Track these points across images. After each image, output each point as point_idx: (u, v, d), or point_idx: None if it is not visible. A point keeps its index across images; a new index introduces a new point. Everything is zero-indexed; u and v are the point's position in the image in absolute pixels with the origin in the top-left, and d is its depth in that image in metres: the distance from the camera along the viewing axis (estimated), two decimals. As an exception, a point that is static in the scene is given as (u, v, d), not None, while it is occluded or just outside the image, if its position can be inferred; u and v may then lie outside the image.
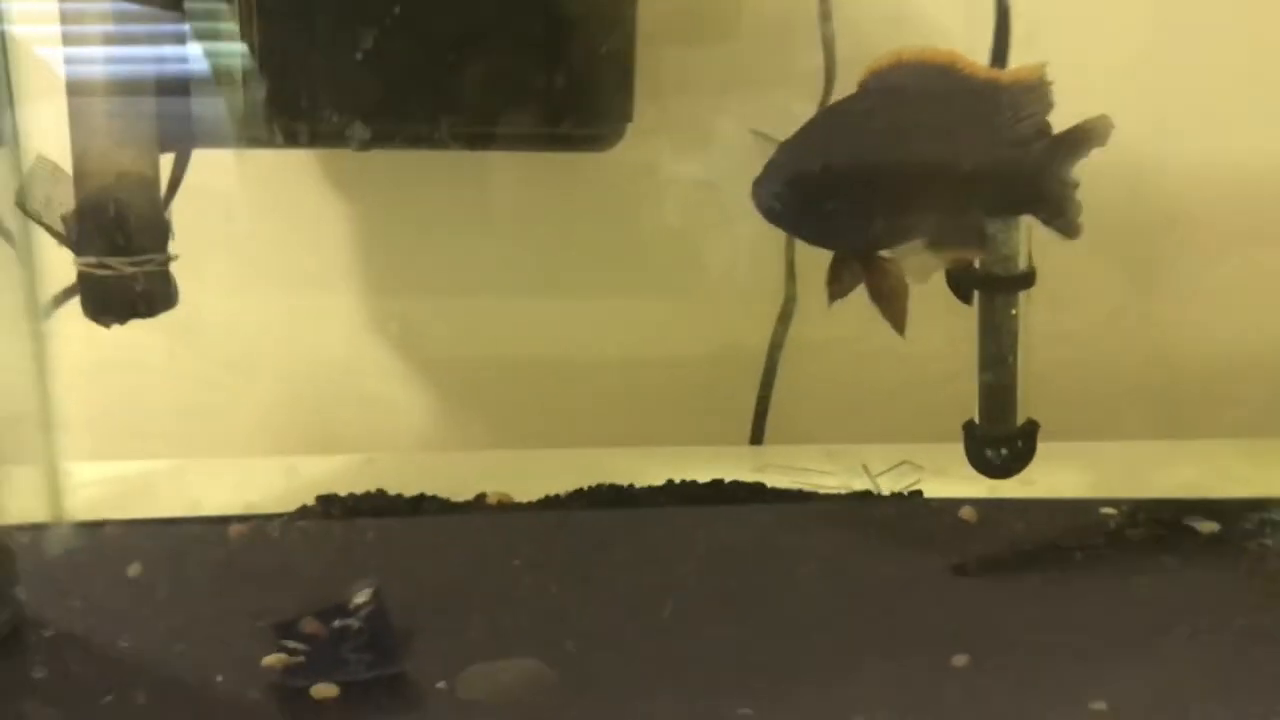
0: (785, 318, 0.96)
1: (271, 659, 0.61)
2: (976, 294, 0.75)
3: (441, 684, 0.60)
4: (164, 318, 0.69)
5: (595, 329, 0.94)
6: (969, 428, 0.78)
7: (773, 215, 0.64)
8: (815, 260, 0.66)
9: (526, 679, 0.61)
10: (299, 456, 0.86)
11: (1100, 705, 0.58)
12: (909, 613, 0.68)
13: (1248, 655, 0.63)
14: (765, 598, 0.69)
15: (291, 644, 0.62)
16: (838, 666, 0.62)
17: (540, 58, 0.74)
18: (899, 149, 0.65)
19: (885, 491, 0.84)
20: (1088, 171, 0.65)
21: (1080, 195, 0.66)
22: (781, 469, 0.86)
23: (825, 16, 0.84)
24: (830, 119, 0.67)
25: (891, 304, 0.65)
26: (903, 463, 0.88)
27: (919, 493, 0.83)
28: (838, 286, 0.65)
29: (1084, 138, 0.65)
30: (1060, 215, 0.66)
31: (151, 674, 0.61)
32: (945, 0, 0.83)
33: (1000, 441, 0.77)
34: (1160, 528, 0.77)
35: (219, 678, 0.60)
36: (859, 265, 0.65)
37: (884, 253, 0.65)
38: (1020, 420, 0.77)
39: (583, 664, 0.62)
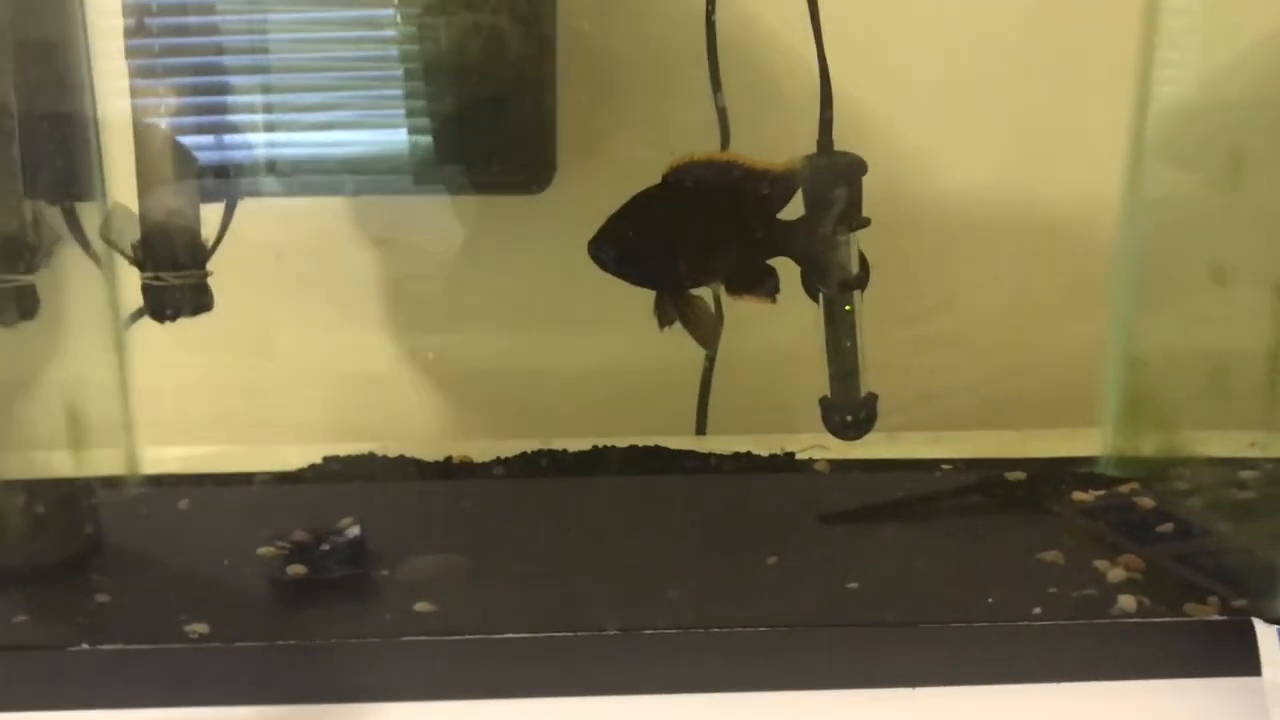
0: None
1: (265, 549, 0.85)
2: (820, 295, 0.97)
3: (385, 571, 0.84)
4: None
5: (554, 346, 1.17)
6: (823, 400, 0.99)
7: (602, 265, 0.86)
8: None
9: (442, 565, 0.84)
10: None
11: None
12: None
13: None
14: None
15: (281, 543, 0.86)
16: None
17: (484, 126, 1.00)
18: (693, 220, 0.87)
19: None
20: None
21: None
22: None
23: (717, 88, 1.07)
24: (642, 200, 0.86)
25: (699, 329, 0.87)
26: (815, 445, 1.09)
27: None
28: (661, 316, 0.87)
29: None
30: (814, 265, 0.90)
31: (181, 560, 0.86)
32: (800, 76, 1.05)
33: (848, 410, 0.98)
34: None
35: (225, 561, 0.85)
36: (672, 301, 0.87)
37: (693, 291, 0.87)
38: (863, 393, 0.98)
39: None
